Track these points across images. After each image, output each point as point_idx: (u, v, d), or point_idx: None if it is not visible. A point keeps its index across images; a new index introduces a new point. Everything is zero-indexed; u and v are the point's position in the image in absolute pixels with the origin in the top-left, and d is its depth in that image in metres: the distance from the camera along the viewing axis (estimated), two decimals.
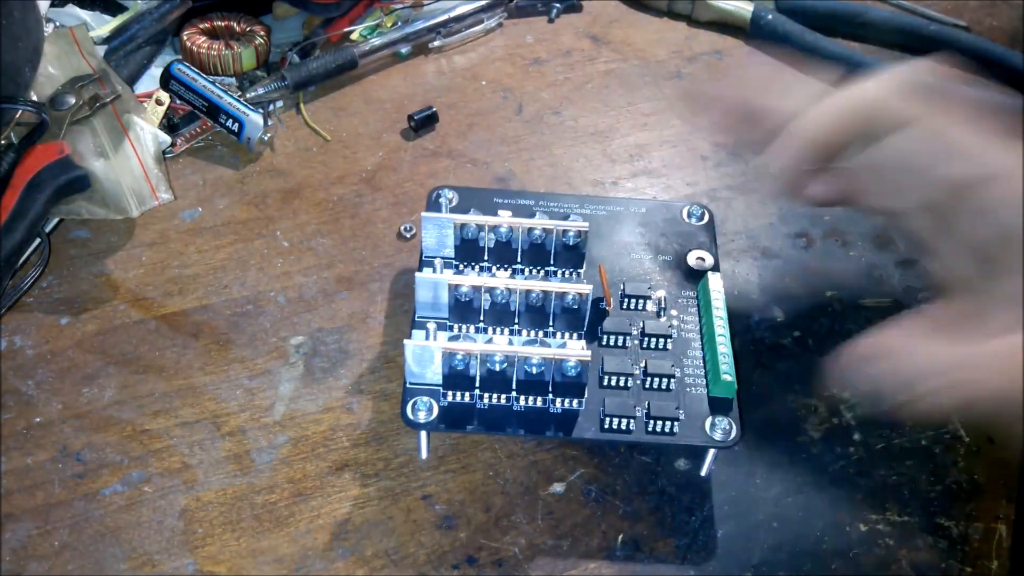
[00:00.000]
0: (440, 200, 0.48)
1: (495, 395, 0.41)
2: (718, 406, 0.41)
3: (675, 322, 0.44)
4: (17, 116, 0.48)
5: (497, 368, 0.40)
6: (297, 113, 0.57)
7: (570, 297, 0.42)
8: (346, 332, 0.47)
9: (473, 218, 0.44)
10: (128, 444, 0.42)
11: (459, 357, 0.40)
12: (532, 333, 0.43)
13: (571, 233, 0.45)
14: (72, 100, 0.50)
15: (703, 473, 0.43)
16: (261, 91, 0.56)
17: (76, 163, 0.48)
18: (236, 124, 0.53)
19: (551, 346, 0.42)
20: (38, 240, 0.48)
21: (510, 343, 0.42)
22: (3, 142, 0.47)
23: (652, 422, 0.40)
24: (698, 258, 0.47)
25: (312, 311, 0.48)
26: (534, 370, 0.40)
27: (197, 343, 0.46)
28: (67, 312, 0.47)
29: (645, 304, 0.44)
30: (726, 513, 0.42)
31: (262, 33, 0.58)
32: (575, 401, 0.41)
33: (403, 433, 0.43)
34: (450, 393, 0.41)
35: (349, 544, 0.40)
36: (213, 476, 0.42)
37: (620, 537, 0.41)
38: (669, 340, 0.43)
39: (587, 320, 0.43)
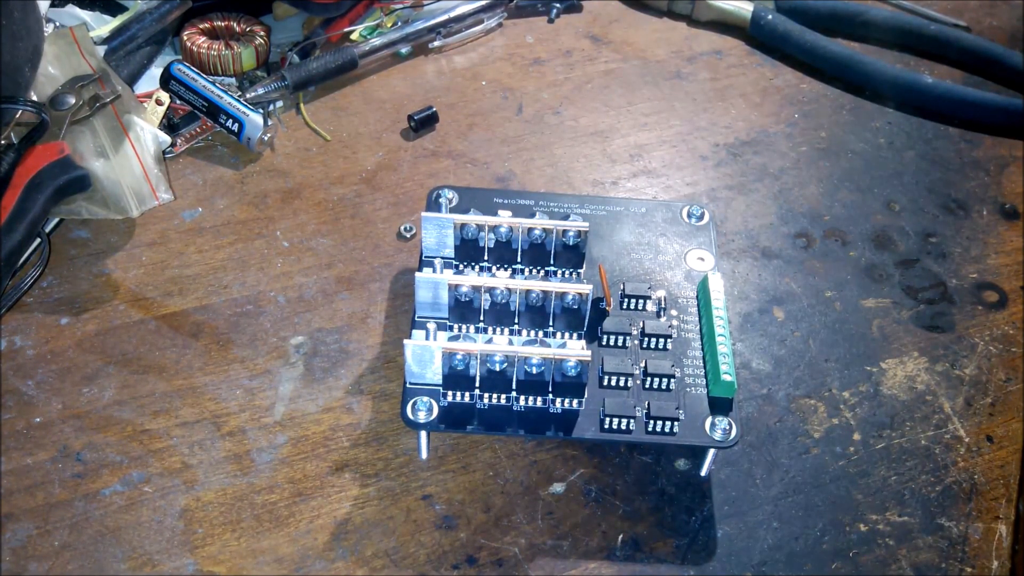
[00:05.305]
0: (440, 200, 0.48)
1: (495, 395, 0.41)
2: (718, 406, 0.41)
3: (675, 322, 0.44)
4: (17, 116, 0.48)
5: (497, 368, 0.40)
6: (297, 113, 0.57)
7: (570, 297, 0.42)
8: (346, 332, 0.47)
9: (473, 218, 0.44)
10: (128, 444, 0.42)
11: (459, 357, 0.40)
12: (532, 333, 0.43)
13: (571, 233, 0.45)
14: (72, 100, 0.50)
15: (703, 473, 0.43)
16: (261, 91, 0.56)
17: (76, 163, 0.48)
18: (236, 124, 0.53)
19: (551, 346, 0.42)
20: (38, 240, 0.48)
21: (510, 343, 0.42)
22: (3, 142, 0.47)
23: (652, 422, 0.40)
24: (698, 258, 0.47)
25: (312, 311, 0.48)
26: (534, 370, 0.40)
27: (197, 343, 0.46)
28: (67, 312, 0.47)
29: (645, 304, 0.44)
30: (726, 513, 0.42)
31: (262, 33, 0.58)
32: (575, 401, 0.41)
33: (403, 433, 0.43)
34: (450, 393, 0.41)
35: (349, 544, 0.40)
36: (213, 476, 0.42)
37: (620, 537, 0.41)
38: (669, 340, 0.43)
39: (587, 320, 0.43)
